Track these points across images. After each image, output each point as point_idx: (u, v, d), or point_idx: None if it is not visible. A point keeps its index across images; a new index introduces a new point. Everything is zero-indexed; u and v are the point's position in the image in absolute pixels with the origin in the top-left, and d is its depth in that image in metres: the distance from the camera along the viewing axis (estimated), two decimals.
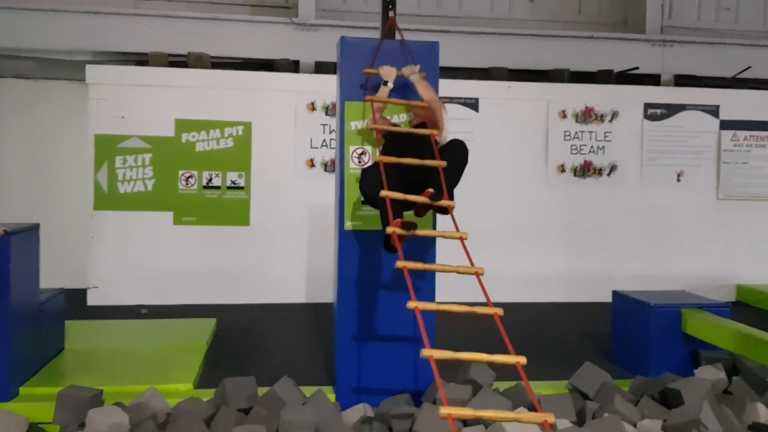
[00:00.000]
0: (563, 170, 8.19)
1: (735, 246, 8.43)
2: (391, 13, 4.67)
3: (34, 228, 4.89)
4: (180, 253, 7.52)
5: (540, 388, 4.60)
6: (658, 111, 8.33)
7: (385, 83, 4.37)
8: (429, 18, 8.80)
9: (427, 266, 3.64)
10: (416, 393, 4.47)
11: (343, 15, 8.59)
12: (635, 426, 4.09)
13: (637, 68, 8.73)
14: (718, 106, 8.41)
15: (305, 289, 7.78)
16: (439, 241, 4.55)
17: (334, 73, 5.10)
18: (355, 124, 4.52)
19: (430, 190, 3.80)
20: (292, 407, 4.01)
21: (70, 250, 7.94)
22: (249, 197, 7.67)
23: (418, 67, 4.41)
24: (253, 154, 7.65)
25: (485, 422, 3.88)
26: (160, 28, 7.98)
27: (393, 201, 3.74)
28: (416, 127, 4.36)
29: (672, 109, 8.34)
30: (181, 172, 7.55)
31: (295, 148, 7.74)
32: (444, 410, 2.71)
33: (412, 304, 3.21)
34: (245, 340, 6.08)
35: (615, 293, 5.62)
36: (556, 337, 6.39)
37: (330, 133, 7.75)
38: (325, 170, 7.74)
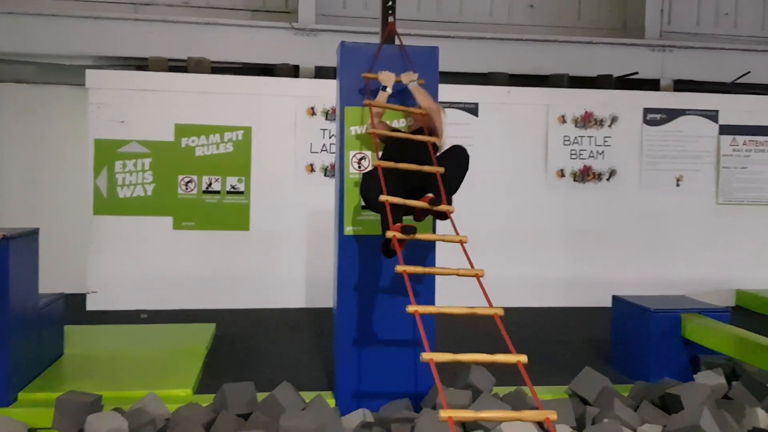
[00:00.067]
0: (563, 175, 8.19)
1: (734, 251, 8.43)
2: (390, 19, 4.68)
3: (34, 232, 4.89)
4: (180, 258, 7.52)
5: (540, 393, 4.54)
6: (658, 116, 8.34)
7: (384, 88, 4.37)
8: (429, 23, 8.81)
9: (427, 270, 3.64)
10: (416, 397, 4.46)
11: (343, 20, 8.61)
12: (635, 431, 4.08)
13: (636, 73, 8.76)
14: (717, 111, 8.42)
15: (305, 293, 7.78)
16: (439, 247, 4.55)
17: (334, 77, 5.11)
18: (355, 129, 4.53)
19: (430, 195, 3.81)
20: (291, 412, 4.00)
21: (70, 254, 7.92)
22: (249, 202, 7.67)
23: (416, 75, 4.41)
24: (253, 159, 7.65)
25: (485, 428, 3.88)
26: (160, 33, 8.00)
27: (393, 206, 3.75)
28: (414, 132, 4.36)
29: (671, 114, 8.35)
30: (180, 177, 7.55)
31: (295, 152, 7.74)
32: (444, 413, 2.71)
33: (412, 308, 3.21)
34: (245, 345, 6.07)
35: (615, 298, 5.62)
36: (555, 342, 6.39)
37: (330, 137, 7.75)
38: (325, 175, 7.74)
